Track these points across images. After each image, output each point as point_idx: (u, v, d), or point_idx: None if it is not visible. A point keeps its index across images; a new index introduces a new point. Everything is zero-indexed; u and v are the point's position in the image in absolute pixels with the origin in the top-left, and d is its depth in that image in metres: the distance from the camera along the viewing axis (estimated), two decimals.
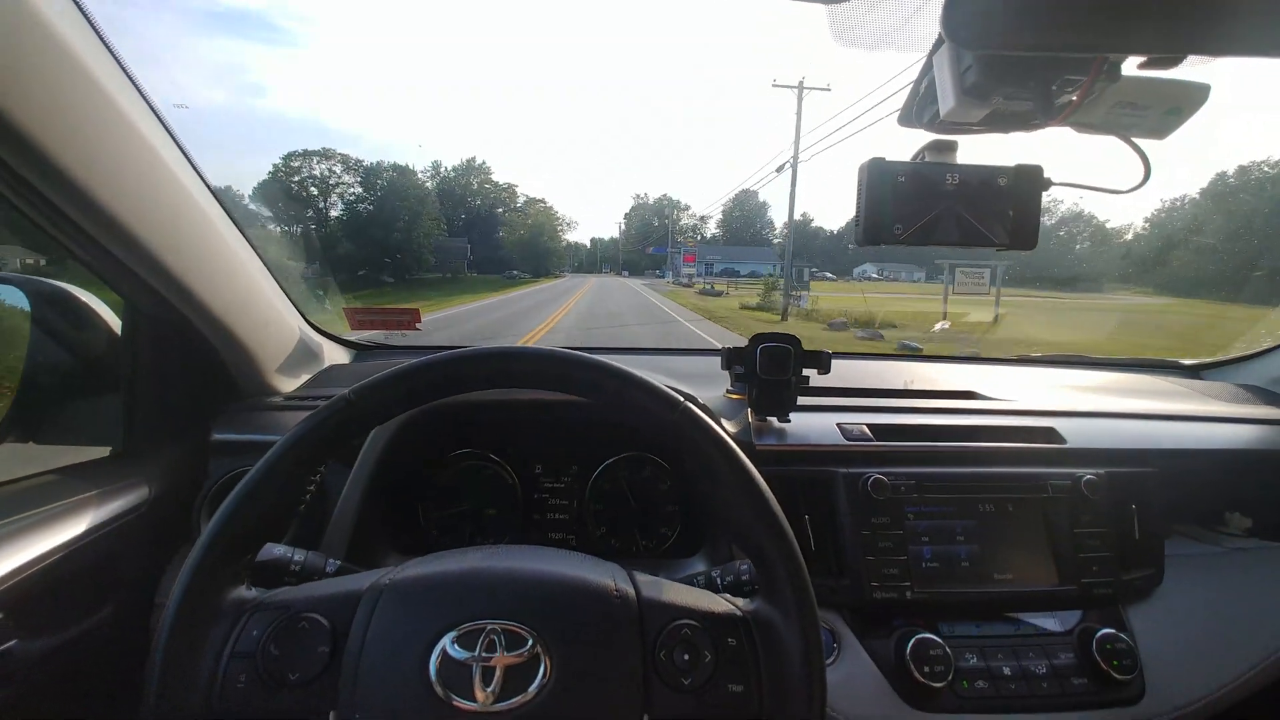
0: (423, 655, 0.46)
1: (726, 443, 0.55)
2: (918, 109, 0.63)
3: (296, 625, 0.49)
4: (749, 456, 0.55)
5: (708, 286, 35.38)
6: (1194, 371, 1.41)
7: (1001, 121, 0.59)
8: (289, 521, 0.56)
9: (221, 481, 0.91)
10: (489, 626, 0.47)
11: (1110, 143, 0.60)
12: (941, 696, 0.75)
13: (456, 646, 0.46)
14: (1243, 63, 0.47)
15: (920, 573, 0.82)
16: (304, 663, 0.48)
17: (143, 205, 0.70)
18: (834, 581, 0.82)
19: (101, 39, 0.63)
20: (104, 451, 0.88)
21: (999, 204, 0.65)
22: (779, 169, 21.27)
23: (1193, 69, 0.52)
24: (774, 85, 21.19)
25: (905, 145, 0.68)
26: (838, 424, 0.94)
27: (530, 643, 0.47)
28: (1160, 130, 0.58)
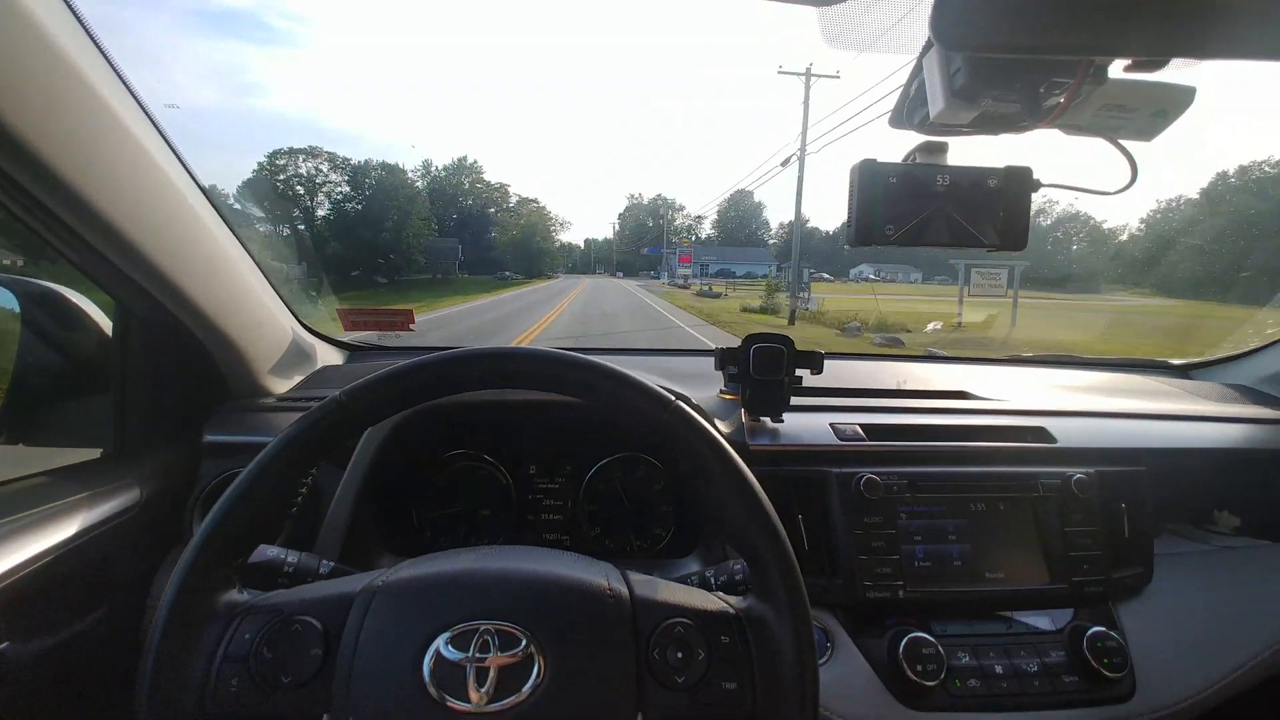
0: (416, 656, 0.46)
1: (719, 442, 0.55)
2: (908, 111, 0.64)
3: (289, 628, 0.49)
4: (742, 456, 0.56)
5: (705, 288, 34.43)
6: (1183, 371, 1.42)
7: (991, 123, 0.60)
8: (281, 523, 0.56)
9: (214, 483, 0.91)
10: (482, 627, 0.47)
11: (1099, 144, 0.61)
12: (934, 695, 0.76)
13: (450, 647, 0.46)
14: (1228, 65, 0.47)
15: (913, 572, 0.82)
16: (297, 665, 0.47)
17: (134, 206, 0.69)
18: (827, 581, 0.82)
19: (93, 39, 0.63)
20: (95, 453, 0.87)
21: (989, 205, 0.65)
22: (784, 162, 20.36)
23: (1178, 72, 0.53)
24: (780, 71, 19.82)
25: (904, 144, 0.69)
26: (831, 424, 0.95)
27: (524, 643, 0.47)
28: (1147, 132, 0.59)
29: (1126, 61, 0.51)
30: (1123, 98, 0.55)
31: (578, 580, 0.52)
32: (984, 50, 0.48)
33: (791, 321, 15.81)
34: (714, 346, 0.97)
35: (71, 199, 0.62)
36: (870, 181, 0.64)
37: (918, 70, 0.60)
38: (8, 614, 0.64)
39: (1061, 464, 0.90)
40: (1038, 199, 0.66)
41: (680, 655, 0.50)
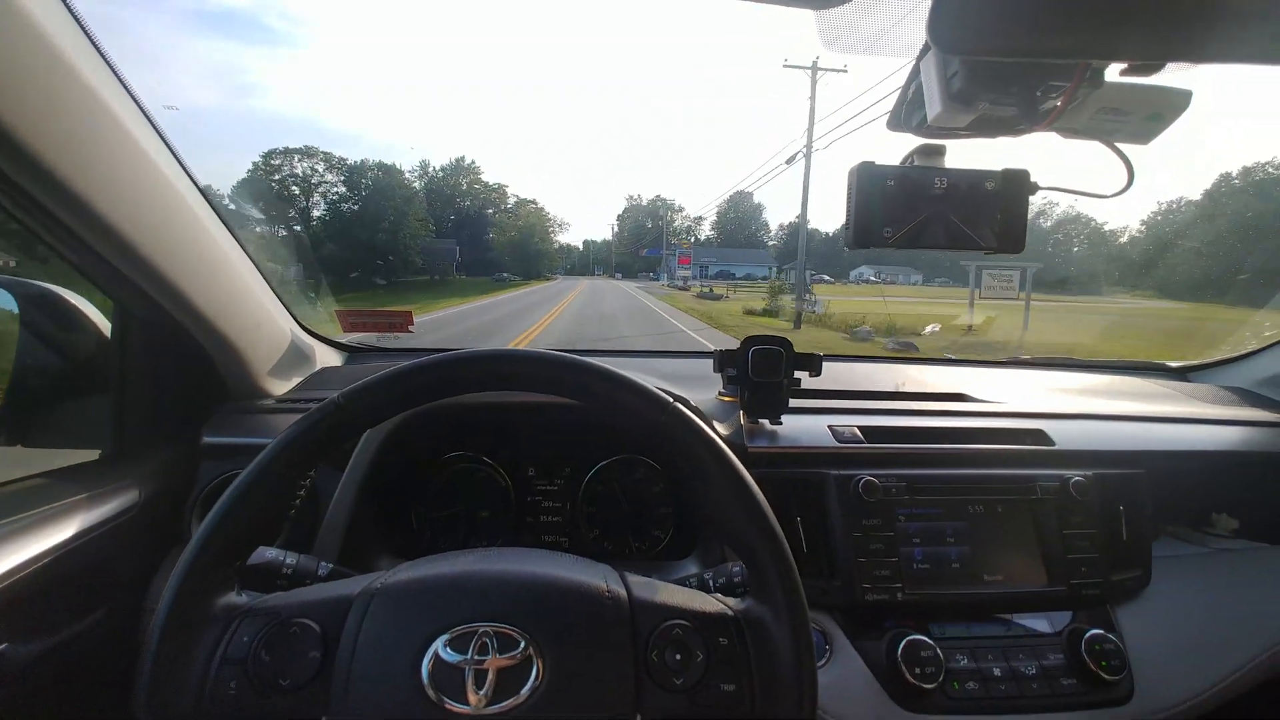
0: (415, 659, 0.46)
1: (716, 443, 0.55)
2: (906, 113, 0.64)
3: (287, 630, 0.49)
4: (741, 459, 0.56)
5: (706, 290, 33.83)
6: (1181, 374, 1.42)
7: (988, 126, 0.60)
8: (280, 525, 0.56)
9: (213, 484, 0.91)
10: (481, 629, 0.47)
11: (1096, 147, 0.61)
12: (932, 697, 0.76)
13: (449, 649, 0.46)
14: (1226, 69, 0.48)
15: (911, 574, 0.82)
16: (295, 668, 0.47)
17: (133, 207, 0.69)
18: (825, 583, 0.82)
19: (91, 40, 0.63)
20: (94, 454, 0.87)
21: (987, 207, 0.66)
22: (789, 160, 19.31)
23: (1174, 75, 0.54)
24: (785, 65, 18.83)
25: (902, 146, 0.69)
26: (829, 426, 0.95)
27: (522, 645, 0.47)
28: (1143, 135, 0.59)
29: (1123, 65, 0.51)
30: (1119, 101, 0.56)
31: (576, 582, 0.52)
32: (981, 54, 0.49)
33: (797, 325, 15.22)
34: (713, 348, 0.97)
35: (71, 200, 0.62)
36: (868, 184, 0.64)
37: (915, 73, 0.60)
38: (6, 615, 0.64)
39: (1060, 466, 0.90)
40: (1039, 201, 0.66)
41: (679, 657, 0.50)
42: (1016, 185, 0.65)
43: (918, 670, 0.75)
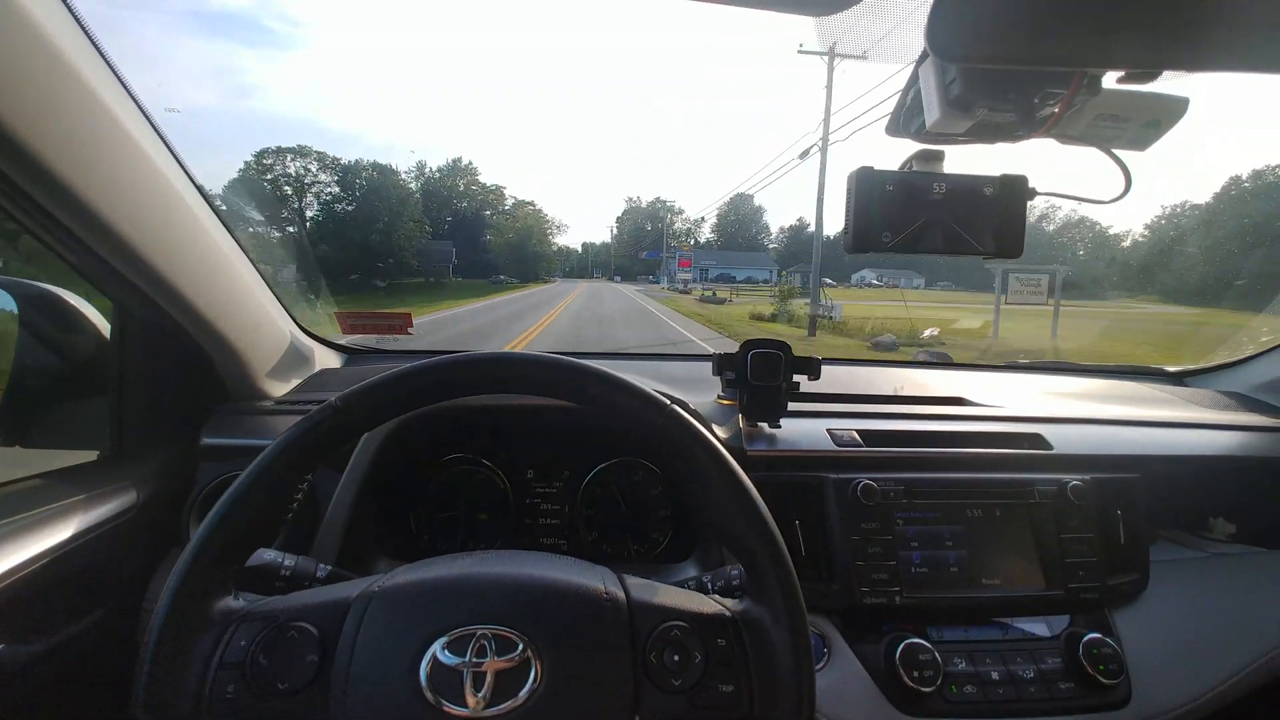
0: (413, 662, 0.46)
1: (713, 444, 0.56)
2: (904, 119, 0.64)
3: (285, 634, 0.49)
4: (740, 462, 0.56)
5: (709, 293, 32.72)
6: (1178, 378, 1.43)
7: (986, 132, 0.61)
8: (278, 527, 0.56)
9: (211, 486, 0.91)
10: (479, 631, 0.47)
11: (1093, 153, 0.61)
12: (930, 701, 0.76)
13: (447, 652, 0.47)
14: (1220, 76, 0.48)
15: (909, 578, 0.82)
16: (293, 672, 0.47)
17: (133, 208, 0.70)
18: (824, 586, 0.82)
19: (92, 41, 0.63)
20: (92, 455, 0.87)
21: (985, 213, 0.66)
22: (803, 154, 17.58)
23: (1171, 83, 0.54)
24: (800, 50, 16.61)
25: (904, 151, 0.69)
26: (828, 430, 0.95)
27: (520, 647, 0.47)
28: (1140, 142, 0.59)
29: (1120, 73, 0.52)
30: (1116, 108, 0.56)
31: (574, 584, 0.52)
32: (978, 61, 0.49)
33: (812, 332, 14.09)
34: (711, 351, 0.97)
35: (71, 201, 0.62)
36: (867, 189, 0.65)
37: (913, 80, 0.60)
38: (5, 615, 0.64)
39: (1057, 471, 0.90)
40: (1041, 206, 0.66)
41: (677, 658, 0.50)
42: (1015, 190, 0.66)
43: (916, 674, 0.75)
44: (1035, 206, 0.68)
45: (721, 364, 0.96)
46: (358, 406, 0.55)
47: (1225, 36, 0.43)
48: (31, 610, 0.67)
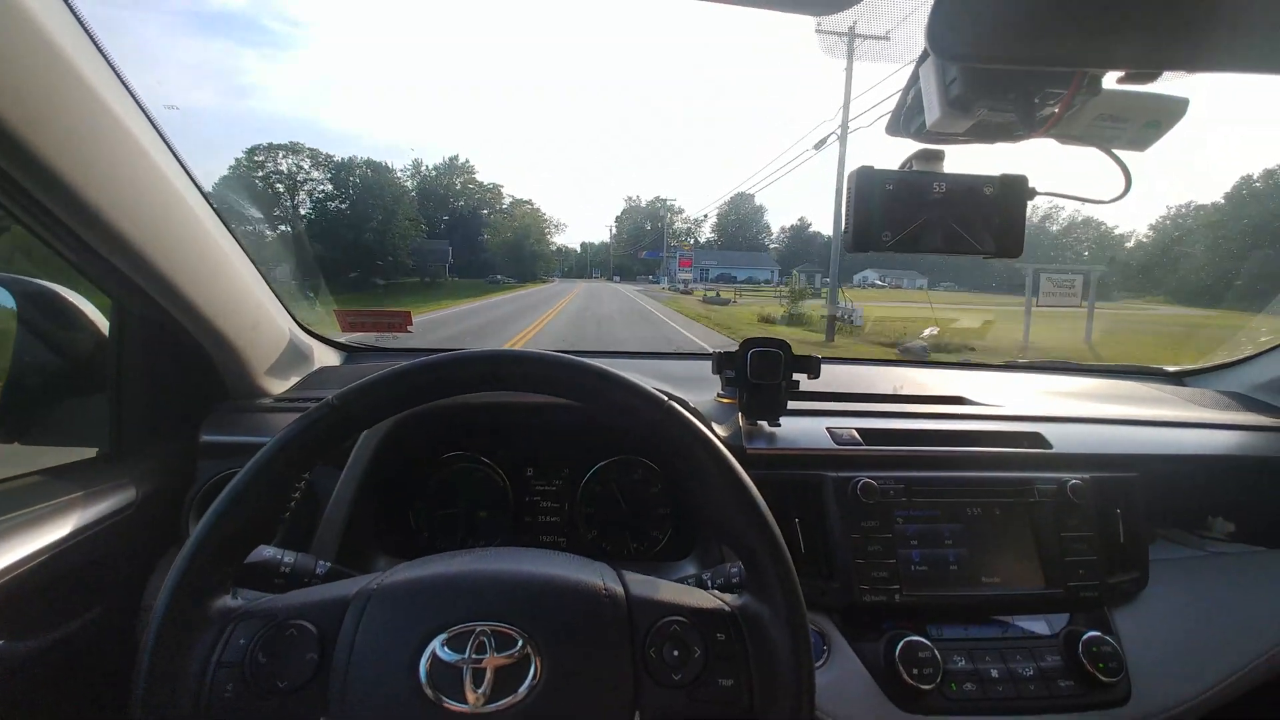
0: (412, 658, 0.46)
1: (710, 440, 0.56)
2: (905, 119, 0.65)
3: (284, 632, 0.49)
4: (739, 460, 0.56)
5: (712, 294, 31.41)
6: (1177, 378, 1.43)
7: (986, 132, 0.61)
8: (276, 525, 0.56)
9: (211, 483, 0.91)
10: (478, 628, 0.47)
11: (1094, 153, 0.61)
12: (930, 698, 0.76)
13: (446, 649, 0.47)
14: (1220, 77, 0.48)
15: (909, 576, 0.83)
16: (293, 670, 0.47)
17: (132, 206, 0.70)
18: (824, 584, 0.82)
19: (92, 40, 0.63)
20: (91, 452, 0.87)
21: (985, 212, 0.66)
22: (818, 145, 16.04)
23: (1172, 83, 0.54)
24: (818, 30, 16.97)
25: (904, 150, 0.69)
26: (827, 428, 0.95)
27: (520, 643, 0.47)
28: (1140, 143, 0.59)
29: (1120, 73, 0.52)
30: (1116, 108, 0.56)
31: (573, 580, 0.52)
32: (979, 61, 0.49)
33: (830, 337, 12.77)
34: (708, 348, 0.97)
35: (70, 198, 0.62)
36: (867, 188, 0.65)
37: (914, 79, 0.61)
38: (3, 612, 0.64)
39: (1057, 469, 0.90)
40: (1044, 205, 0.65)
41: (677, 653, 0.50)
42: (1015, 190, 0.66)
43: (915, 671, 0.75)
44: (1039, 208, 0.67)
45: (721, 362, 0.96)
46: (355, 404, 0.55)
47: (1226, 37, 0.43)
48: (30, 607, 0.67)
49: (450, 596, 0.50)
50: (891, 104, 0.66)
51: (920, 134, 0.63)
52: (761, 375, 0.92)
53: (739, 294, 31.71)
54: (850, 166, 0.67)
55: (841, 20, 0.54)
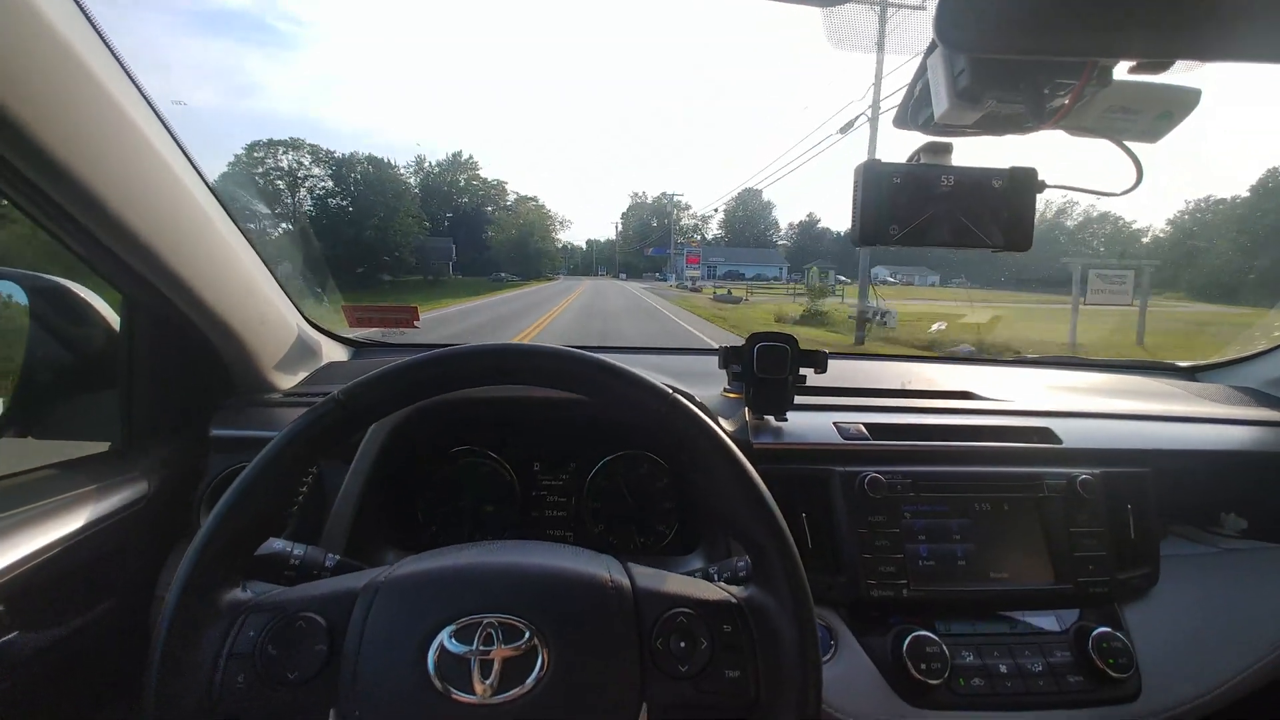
0: (420, 650, 0.47)
1: (716, 433, 0.56)
2: (912, 111, 0.64)
3: (293, 625, 0.49)
4: (746, 455, 0.56)
5: (724, 291, 30.51)
6: (1189, 373, 1.41)
7: (995, 124, 0.60)
8: (284, 519, 0.56)
9: (220, 477, 0.92)
10: (486, 620, 0.48)
11: (1105, 145, 0.61)
12: (938, 694, 0.76)
13: (454, 641, 0.47)
14: (1234, 67, 0.47)
15: (917, 571, 0.82)
16: (302, 662, 0.48)
17: (142, 201, 0.70)
18: (831, 579, 0.82)
19: (100, 36, 0.63)
20: (103, 446, 0.88)
21: (994, 206, 0.65)
22: (843, 129, 14.98)
23: (1184, 74, 0.53)
24: None
25: (911, 143, 0.68)
26: (834, 423, 0.95)
27: (527, 635, 0.47)
28: (1151, 134, 0.59)
29: (1131, 63, 0.51)
30: (1127, 100, 0.55)
31: (580, 573, 0.52)
32: (987, 52, 0.48)
33: (860, 339, 11.57)
34: (713, 344, 0.97)
35: (80, 194, 0.63)
36: (874, 182, 0.64)
37: (922, 71, 0.60)
38: (16, 605, 0.64)
39: (1066, 465, 0.90)
40: (1059, 199, 0.64)
41: (683, 644, 0.50)
42: (1024, 183, 0.65)
43: (923, 666, 0.75)
44: (1053, 201, 0.66)
45: (728, 357, 0.96)
46: (361, 399, 0.55)
47: (1239, 26, 0.43)
48: (43, 599, 0.68)
49: (458, 589, 0.50)
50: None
51: (928, 126, 0.63)
52: (768, 370, 0.91)
53: (749, 292, 31.04)
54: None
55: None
